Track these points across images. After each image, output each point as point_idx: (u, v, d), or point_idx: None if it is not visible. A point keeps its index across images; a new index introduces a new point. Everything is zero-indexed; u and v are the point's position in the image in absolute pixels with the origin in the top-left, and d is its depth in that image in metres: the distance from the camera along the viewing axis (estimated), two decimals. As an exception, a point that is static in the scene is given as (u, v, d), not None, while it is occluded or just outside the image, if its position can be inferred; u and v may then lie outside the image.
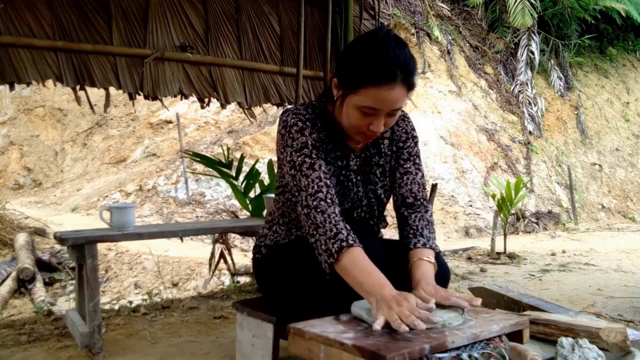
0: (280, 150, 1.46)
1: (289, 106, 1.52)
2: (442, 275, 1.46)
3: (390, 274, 1.31)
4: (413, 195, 1.54)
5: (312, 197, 1.36)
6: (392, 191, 1.59)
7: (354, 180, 1.53)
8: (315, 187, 1.37)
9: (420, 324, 1.10)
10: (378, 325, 1.12)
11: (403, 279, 1.36)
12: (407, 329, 1.10)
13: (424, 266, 1.38)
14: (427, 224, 1.50)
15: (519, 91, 11.37)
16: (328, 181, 1.39)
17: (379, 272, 1.27)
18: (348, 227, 1.34)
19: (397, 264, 1.43)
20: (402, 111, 1.57)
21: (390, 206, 1.65)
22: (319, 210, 1.34)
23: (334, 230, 1.31)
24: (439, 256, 1.48)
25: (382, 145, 1.57)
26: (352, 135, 1.44)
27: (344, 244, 1.29)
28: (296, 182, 1.40)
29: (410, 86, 1.35)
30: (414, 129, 1.61)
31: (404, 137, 1.58)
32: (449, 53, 11.36)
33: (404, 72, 1.32)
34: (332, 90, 1.48)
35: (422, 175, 1.59)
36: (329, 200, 1.36)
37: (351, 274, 1.28)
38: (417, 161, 1.58)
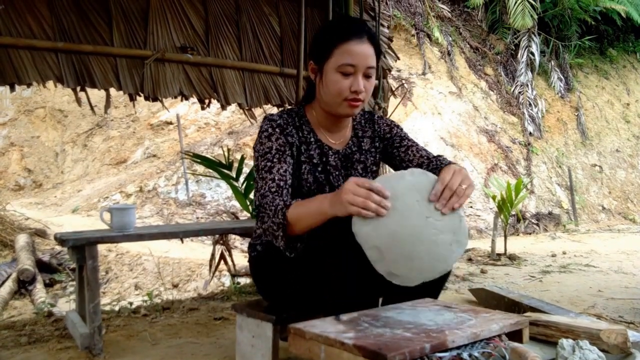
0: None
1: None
2: None
3: None
4: (426, 158, 1.59)
5: (262, 197, 1.45)
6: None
7: (334, 174, 1.61)
8: (267, 187, 1.45)
9: (381, 210, 1.21)
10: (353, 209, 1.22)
11: None
12: (376, 213, 1.21)
13: (450, 165, 1.40)
14: (449, 162, 1.53)
15: (519, 92, 11.38)
16: (282, 182, 1.47)
17: (315, 197, 1.36)
18: (286, 199, 1.42)
19: None
20: (379, 114, 1.74)
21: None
22: (263, 202, 1.43)
23: (273, 207, 1.39)
24: None
25: (362, 143, 1.67)
26: (337, 110, 1.52)
27: (284, 209, 1.36)
28: (256, 184, 1.50)
29: (377, 49, 1.50)
30: (393, 122, 1.72)
31: (387, 129, 1.68)
32: (449, 54, 11.37)
33: (369, 33, 1.48)
34: (309, 93, 1.62)
35: (422, 147, 1.66)
36: (276, 194, 1.44)
37: (301, 215, 1.34)
38: (411, 138, 1.67)
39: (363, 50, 1.45)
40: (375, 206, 1.21)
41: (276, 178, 1.46)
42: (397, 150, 1.64)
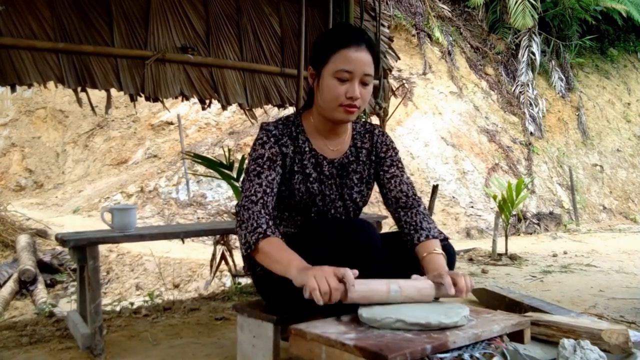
0: None
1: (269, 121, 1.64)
2: (449, 259, 1.51)
3: (388, 261, 1.41)
4: (404, 194, 1.62)
5: (247, 199, 1.48)
6: (383, 197, 1.68)
7: (327, 184, 1.62)
8: (253, 191, 1.48)
9: (336, 294, 1.19)
10: (307, 294, 1.19)
11: (398, 268, 1.42)
12: (321, 301, 1.18)
13: (435, 259, 1.44)
14: (423, 217, 1.56)
15: (520, 92, 11.37)
16: (268, 189, 1.50)
17: (294, 252, 1.36)
18: (270, 223, 1.44)
19: (392, 255, 1.49)
20: (380, 129, 1.73)
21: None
22: (246, 208, 1.46)
23: (255, 224, 1.42)
24: (444, 241, 1.54)
25: (360, 154, 1.67)
26: (333, 115, 1.53)
27: (261, 235, 1.40)
28: (243, 185, 1.53)
29: (375, 56, 1.53)
30: (392, 142, 1.73)
31: (385, 148, 1.69)
32: (449, 54, 11.37)
33: (367, 41, 1.51)
34: (308, 100, 1.65)
35: (408, 177, 1.68)
36: (259, 204, 1.47)
37: (268, 256, 1.38)
38: (400, 166, 1.69)
39: (360, 57, 1.47)
40: (332, 298, 1.20)
41: (263, 184, 1.49)
42: (384, 174, 1.66)
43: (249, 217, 1.43)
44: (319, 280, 1.19)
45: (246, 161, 1.58)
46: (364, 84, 1.49)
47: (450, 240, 1.61)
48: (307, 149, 1.60)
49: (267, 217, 1.45)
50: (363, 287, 1.22)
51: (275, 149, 1.54)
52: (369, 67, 1.49)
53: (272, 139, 1.55)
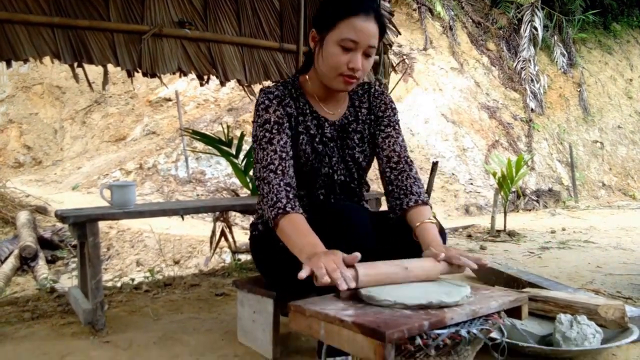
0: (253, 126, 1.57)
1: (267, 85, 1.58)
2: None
3: (376, 242, 1.39)
4: (397, 154, 1.60)
5: (264, 169, 1.46)
6: (376, 156, 1.66)
7: (330, 145, 1.61)
8: (269, 159, 1.47)
9: (343, 284, 1.13)
10: (303, 273, 1.15)
11: (388, 248, 1.40)
12: (328, 280, 1.13)
13: (430, 229, 1.43)
14: (414, 181, 1.56)
15: (522, 68, 11.27)
16: (283, 154, 1.48)
17: (314, 234, 1.33)
18: (290, 196, 1.43)
19: (381, 235, 1.48)
20: (380, 88, 1.71)
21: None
22: (266, 181, 1.45)
23: (275, 199, 1.41)
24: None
25: (359, 113, 1.66)
26: (332, 83, 1.51)
27: (280, 210, 1.38)
28: (255, 154, 1.52)
29: (382, 27, 1.49)
30: (392, 102, 1.70)
31: (383, 107, 1.67)
32: (451, 29, 11.22)
33: (375, 11, 1.46)
34: (306, 63, 1.61)
35: (403, 139, 1.66)
36: (278, 172, 1.45)
37: (287, 237, 1.36)
38: (397, 127, 1.67)
39: (368, 28, 1.43)
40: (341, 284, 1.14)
41: (278, 150, 1.47)
42: (379, 134, 1.64)
43: (269, 191, 1.42)
44: (327, 263, 1.15)
45: (253, 128, 1.54)
46: (366, 55, 1.47)
47: (449, 217, 1.60)
48: (307, 111, 1.59)
49: (287, 188, 1.43)
50: (373, 271, 1.21)
51: (280, 111, 1.52)
52: (375, 38, 1.46)
53: (274, 101, 1.52)
